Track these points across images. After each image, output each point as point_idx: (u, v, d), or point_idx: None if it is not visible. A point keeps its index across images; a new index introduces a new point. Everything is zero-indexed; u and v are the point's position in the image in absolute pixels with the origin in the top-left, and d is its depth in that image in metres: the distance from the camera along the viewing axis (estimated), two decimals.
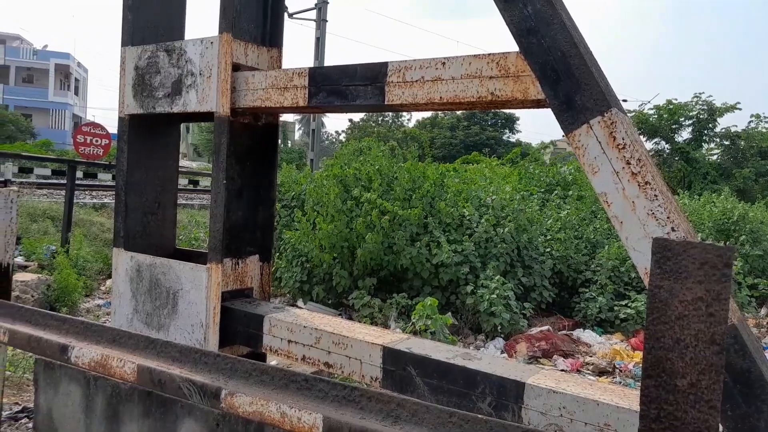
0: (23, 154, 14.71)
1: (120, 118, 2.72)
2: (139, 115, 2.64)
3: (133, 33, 2.67)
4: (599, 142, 1.56)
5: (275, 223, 3.71)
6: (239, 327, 2.26)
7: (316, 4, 16.29)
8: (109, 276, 9.61)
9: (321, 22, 16.10)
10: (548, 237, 6.97)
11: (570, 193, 9.67)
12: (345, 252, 6.31)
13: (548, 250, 6.73)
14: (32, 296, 7.14)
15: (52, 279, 7.79)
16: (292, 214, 7.40)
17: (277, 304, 2.41)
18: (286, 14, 8.54)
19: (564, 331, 5.89)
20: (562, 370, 4.88)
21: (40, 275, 8.19)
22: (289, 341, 2.11)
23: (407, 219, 6.17)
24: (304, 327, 2.07)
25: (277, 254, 6.99)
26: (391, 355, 1.84)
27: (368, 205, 6.21)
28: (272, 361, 2.42)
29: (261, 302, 2.43)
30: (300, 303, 6.59)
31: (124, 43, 2.71)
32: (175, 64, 2.50)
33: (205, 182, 18.38)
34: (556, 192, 9.66)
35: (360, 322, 5.71)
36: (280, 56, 2.55)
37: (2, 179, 14.31)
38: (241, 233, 2.48)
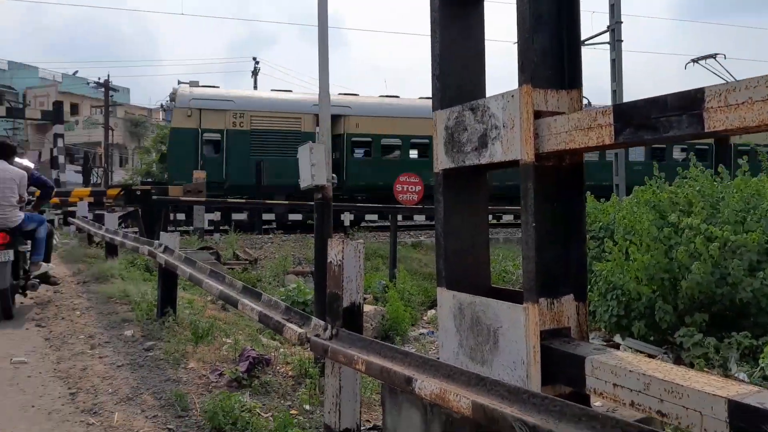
0: (358, 205, 17.42)
1: (435, 172, 3.07)
2: (450, 169, 2.93)
3: (442, 98, 3.00)
4: None
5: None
6: (559, 367, 2.29)
7: (608, 26, 15.59)
8: (430, 307, 10.60)
9: (616, 43, 15.32)
10: None
11: None
12: (666, 284, 5.76)
13: None
14: (371, 325, 8.31)
15: (385, 310, 8.98)
16: (601, 245, 7.09)
17: (597, 345, 2.36)
18: None
19: None
20: None
21: (375, 307, 9.50)
22: (614, 384, 2.05)
23: (743, 245, 5.34)
24: (630, 371, 1.99)
25: (589, 287, 6.76)
26: (739, 411, 1.64)
27: (690, 231, 5.58)
28: (596, 402, 2.37)
29: (580, 342, 2.41)
30: (617, 339, 6.22)
31: (434, 108, 3.07)
32: (479, 120, 2.72)
33: (507, 216, 18.92)
34: None
35: (691, 362, 5.11)
36: (580, 97, 2.56)
37: (343, 225, 17.13)
38: (554, 273, 2.53)
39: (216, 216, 16.58)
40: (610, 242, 6.56)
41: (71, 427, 3.51)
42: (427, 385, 2.04)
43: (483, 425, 1.83)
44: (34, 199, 7.07)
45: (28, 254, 6.45)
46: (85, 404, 3.85)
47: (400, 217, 16.60)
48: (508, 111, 2.50)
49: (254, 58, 46.50)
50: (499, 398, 1.69)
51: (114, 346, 5.15)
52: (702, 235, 5.49)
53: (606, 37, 15.84)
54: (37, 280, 6.55)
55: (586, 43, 16.12)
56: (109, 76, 35.96)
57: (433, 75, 3.05)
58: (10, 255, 5.93)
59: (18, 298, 6.46)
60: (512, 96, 2.48)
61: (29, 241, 6.46)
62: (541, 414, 1.53)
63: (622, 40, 15.51)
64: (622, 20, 15.57)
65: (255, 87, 35.93)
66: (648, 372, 1.94)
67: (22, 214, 6.23)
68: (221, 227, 16.36)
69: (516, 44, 2.59)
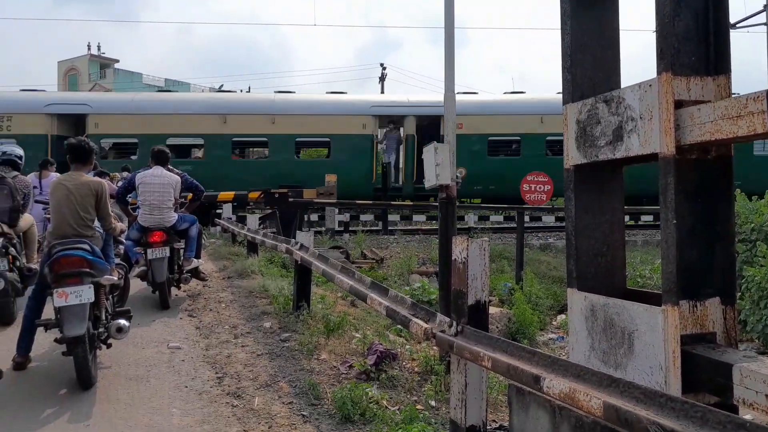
0: (482, 204, 17.17)
1: (565, 169, 2.97)
2: (583, 164, 2.83)
3: (573, 91, 2.90)
4: None
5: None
6: (703, 374, 2.13)
7: (765, 6, 14.05)
8: (560, 311, 10.22)
9: None
10: None
11: None
12: None
13: None
14: (497, 327, 8.20)
15: (512, 313, 8.81)
16: (753, 249, 6.42)
17: (747, 352, 2.16)
18: None
19: None
20: None
21: (501, 309, 9.35)
22: (767, 395, 1.87)
23: None
24: None
25: (739, 294, 6.16)
26: None
27: None
28: (746, 414, 2.17)
29: (727, 349, 2.22)
30: None
31: (565, 102, 2.97)
32: (614, 112, 2.60)
33: (646, 217, 17.69)
34: None
35: None
36: (728, 83, 2.36)
37: (466, 226, 17.03)
38: (697, 274, 2.35)
39: (346, 217, 17.27)
40: (764, 246, 5.93)
41: (218, 407, 3.86)
42: (555, 384, 2.00)
43: (615, 428, 1.76)
44: (187, 201, 7.81)
45: (181, 251, 7.15)
46: (230, 387, 4.20)
47: (527, 218, 16.13)
48: (646, 101, 2.37)
49: (381, 64, 47.59)
50: (633, 401, 1.62)
51: (254, 336, 5.57)
52: None
53: (762, 17, 14.28)
54: (189, 275, 7.23)
55: (737, 25, 14.66)
56: (249, 88, 38.79)
57: (564, 68, 2.96)
58: (166, 252, 6.61)
59: (173, 291, 7.18)
60: (650, 85, 2.35)
61: (182, 240, 7.16)
62: (680, 419, 1.44)
63: None
64: None
65: (382, 91, 36.78)
66: None
67: (176, 215, 6.93)
68: (350, 228, 16.98)
69: (654, 31, 2.45)
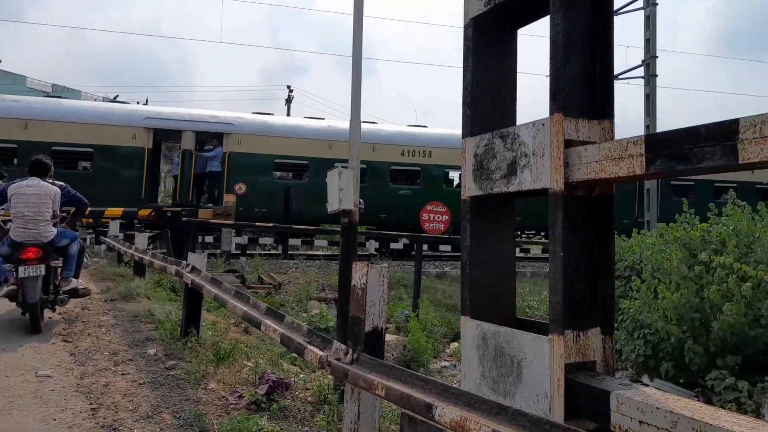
0: (383, 232, 17.39)
1: (462, 200, 3.06)
2: (478, 196, 2.93)
3: (472, 126, 3.01)
4: None
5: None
6: (584, 401, 2.23)
7: (643, 61, 15.58)
8: (453, 339, 10.46)
9: (650, 77, 15.27)
10: None
11: None
12: (696, 324, 5.60)
13: None
14: (392, 355, 8.23)
15: (407, 340, 8.88)
16: (627, 284, 6.95)
17: (623, 380, 2.30)
18: None
19: None
20: None
21: (398, 336, 9.41)
22: (640, 422, 1.98)
23: None
24: (657, 408, 1.92)
25: (615, 325, 6.62)
26: None
27: (722, 270, 5.44)
28: None
29: (606, 377, 2.35)
30: (645, 379, 6.04)
31: (464, 135, 3.08)
32: (509, 147, 2.72)
33: (535, 249, 18.70)
34: None
35: (722, 407, 4.92)
36: (611, 126, 2.55)
37: (367, 253, 17.14)
38: (581, 305, 2.48)
39: (244, 240, 16.75)
40: (638, 280, 6.43)
41: None
42: (447, 413, 2.01)
43: None
44: (68, 216, 7.24)
45: (59, 270, 6.58)
46: (105, 420, 3.86)
47: (425, 247, 16.52)
48: (539, 139, 2.50)
49: (288, 86, 47.22)
50: (520, 428, 1.65)
51: (137, 364, 5.19)
52: (735, 274, 5.34)
53: (641, 71, 15.79)
54: (66, 296, 6.66)
55: (620, 76, 16.11)
56: (147, 100, 37.03)
57: (464, 103, 3.06)
58: (41, 270, 6.06)
59: (47, 313, 6.58)
60: (543, 124, 2.48)
61: (61, 258, 6.60)
62: None
63: (656, 75, 15.46)
64: (657, 55, 15.53)
65: (288, 114, 36.55)
66: (676, 410, 1.88)
67: (55, 230, 6.39)
68: (247, 251, 16.49)
69: (548, 76, 2.60)
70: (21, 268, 5.93)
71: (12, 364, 4.91)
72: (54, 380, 4.62)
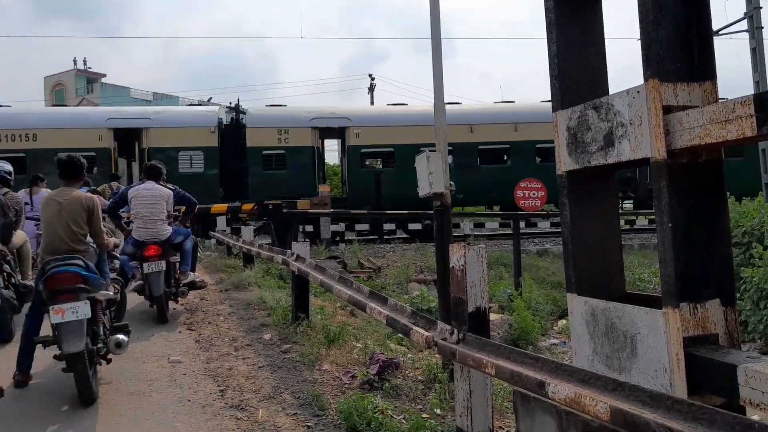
0: (477, 212, 17.25)
1: (558, 175, 3.00)
2: (574, 170, 2.86)
3: (562, 98, 2.94)
4: None
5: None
6: (707, 375, 2.15)
7: (745, 13, 14.23)
8: (560, 317, 10.23)
9: (755, 30, 13.94)
10: None
11: None
12: None
13: None
14: (498, 334, 8.21)
15: (513, 319, 8.82)
16: (747, 251, 6.46)
17: (751, 353, 2.19)
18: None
19: None
20: None
21: (502, 315, 9.36)
22: None
23: None
24: None
25: (738, 296, 6.21)
26: None
27: None
28: (754, 415, 2.19)
29: (730, 350, 2.25)
30: None
31: (554, 109, 3.01)
32: (604, 118, 2.64)
33: (641, 221, 17.80)
34: None
35: None
36: (714, 88, 2.40)
37: (462, 234, 17.07)
38: (696, 276, 2.38)
39: (340, 227, 17.25)
40: (760, 247, 5.97)
41: (223, 420, 3.85)
42: (560, 390, 2.02)
43: None
44: (180, 215, 7.81)
45: (177, 264, 7.14)
46: (233, 400, 4.20)
47: (522, 224, 16.18)
48: (634, 107, 2.41)
49: (370, 75, 47.61)
50: (639, 404, 1.63)
51: (255, 349, 5.56)
52: None
53: (744, 24, 14.44)
54: (186, 288, 7.21)
55: (720, 33, 14.81)
56: (239, 100, 38.72)
57: (552, 76, 2.99)
58: (163, 265, 6.60)
59: (171, 304, 7.16)
60: (638, 92, 2.39)
61: (178, 253, 7.15)
62: (688, 422, 1.45)
63: (761, 27, 14.08)
64: (761, 5, 14.14)
65: (372, 102, 36.84)
66: None
67: (170, 228, 6.92)
68: (345, 238, 16.96)
69: (639, 39, 2.49)
70: (145, 265, 6.49)
71: (147, 352, 5.42)
72: (184, 365, 5.06)
